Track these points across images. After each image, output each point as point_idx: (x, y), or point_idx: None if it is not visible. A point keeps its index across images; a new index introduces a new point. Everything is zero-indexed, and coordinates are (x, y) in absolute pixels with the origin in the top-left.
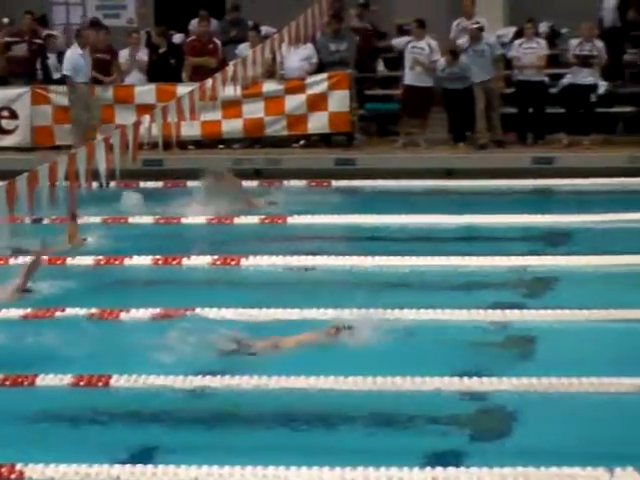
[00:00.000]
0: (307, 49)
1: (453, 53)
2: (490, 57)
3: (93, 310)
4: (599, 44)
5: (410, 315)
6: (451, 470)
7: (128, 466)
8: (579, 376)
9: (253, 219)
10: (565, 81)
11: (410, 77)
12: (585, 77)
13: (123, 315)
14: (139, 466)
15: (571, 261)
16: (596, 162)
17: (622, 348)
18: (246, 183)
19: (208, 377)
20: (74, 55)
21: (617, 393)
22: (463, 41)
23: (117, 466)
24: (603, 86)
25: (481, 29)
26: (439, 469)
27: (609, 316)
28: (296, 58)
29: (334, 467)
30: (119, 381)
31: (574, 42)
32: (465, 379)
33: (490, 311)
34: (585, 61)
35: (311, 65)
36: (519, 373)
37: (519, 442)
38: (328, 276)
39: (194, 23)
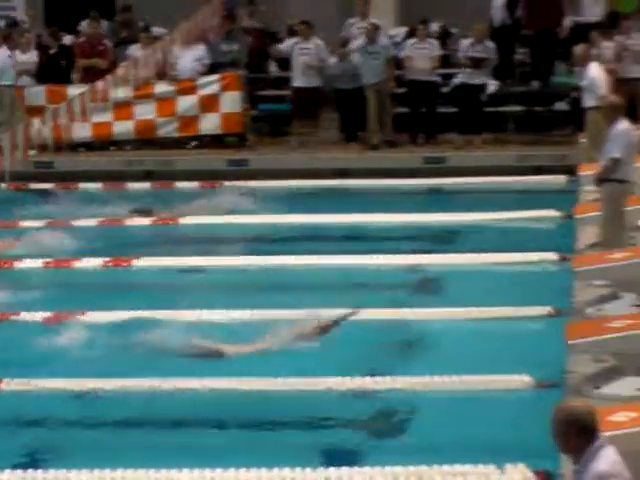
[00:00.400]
0: (199, 50)
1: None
2: (384, 59)
3: None
4: (490, 45)
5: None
6: (344, 470)
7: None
8: (461, 374)
9: (145, 221)
10: (456, 81)
11: (299, 78)
12: (476, 77)
13: (13, 318)
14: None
15: (459, 259)
16: (487, 161)
17: (501, 345)
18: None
19: (99, 380)
20: (3, 57)
21: (505, 390)
22: (359, 42)
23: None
24: (493, 85)
25: (377, 27)
26: (332, 469)
27: (489, 314)
28: (188, 59)
29: (228, 468)
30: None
31: (465, 42)
32: (357, 379)
33: (379, 309)
34: (476, 63)
35: (203, 66)
36: (407, 372)
37: (412, 441)
38: (219, 277)
39: (84, 24)
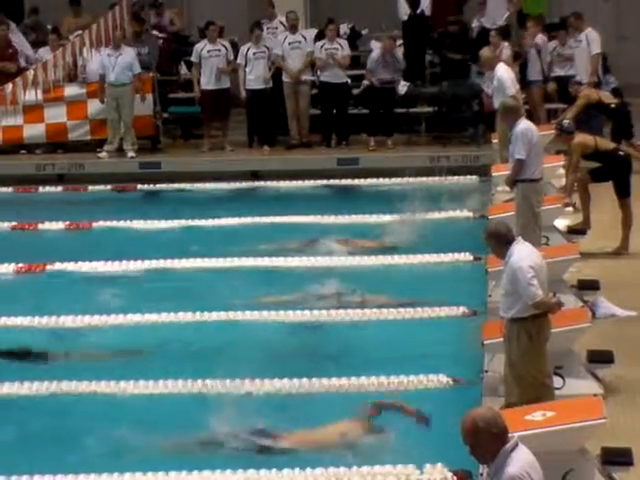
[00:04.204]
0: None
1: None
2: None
3: None
4: (399, 54)
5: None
6: (263, 472)
7: None
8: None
9: (58, 225)
10: (366, 82)
11: (207, 81)
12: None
13: None
14: None
15: (373, 260)
16: (399, 162)
17: (417, 345)
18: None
19: None
20: None
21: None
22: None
23: None
24: (404, 87)
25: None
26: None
27: (405, 314)
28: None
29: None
30: None
31: (374, 54)
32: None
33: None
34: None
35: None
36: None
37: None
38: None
39: None
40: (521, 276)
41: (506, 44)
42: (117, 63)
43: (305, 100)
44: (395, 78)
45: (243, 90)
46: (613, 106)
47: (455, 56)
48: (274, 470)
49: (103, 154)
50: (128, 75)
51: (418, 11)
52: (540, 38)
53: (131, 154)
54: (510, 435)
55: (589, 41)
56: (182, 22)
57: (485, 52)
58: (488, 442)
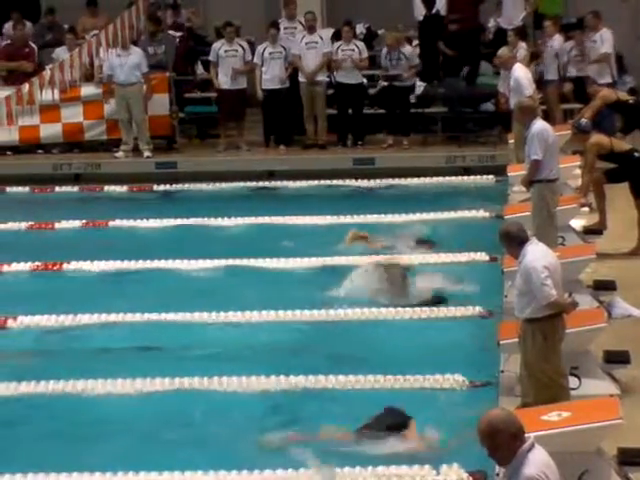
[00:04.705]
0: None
1: None
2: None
3: None
4: (407, 50)
5: None
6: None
7: None
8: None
9: (74, 223)
10: (383, 82)
11: (224, 80)
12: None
13: None
14: None
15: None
16: (415, 162)
17: (433, 345)
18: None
19: None
20: None
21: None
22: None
23: None
24: (420, 87)
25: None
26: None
27: (422, 314)
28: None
29: None
30: None
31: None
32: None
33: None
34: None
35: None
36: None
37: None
38: (154, 280)
39: (8, 26)
40: (535, 276)
41: (523, 44)
42: (126, 63)
43: (321, 100)
44: (403, 75)
45: (260, 90)
46: (631, 102)
47: (447, 51)
48: (290, 469)
49: (119, 154)
50: (136, 75)
51: (433, 11)
52: (557, 38)
53: (147, 153)
54: (526, 435)
55: (603, 41)
56: (199, 22)
57: (504, 52)
58: (507, 443)
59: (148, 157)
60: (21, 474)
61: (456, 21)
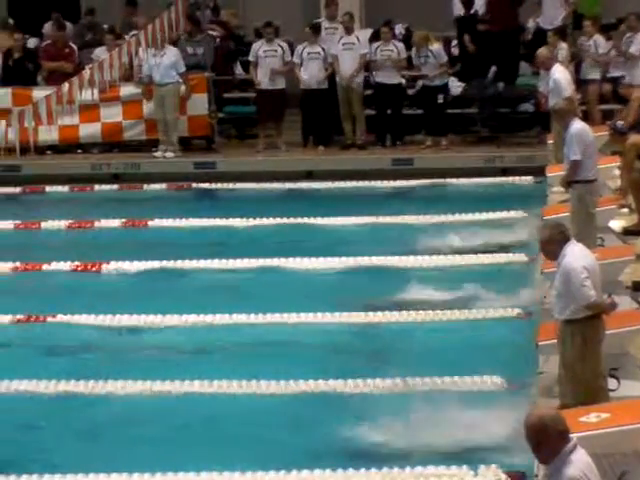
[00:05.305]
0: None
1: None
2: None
3: None
4: (435, 48)
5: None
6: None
7: None
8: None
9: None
10: (421, 82)
11: (263, 81)
12: (439, 79)
13: None
14: None
15: (427, 261)
16: (454, 163)
17: (471, 347)
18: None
19: None
20: None
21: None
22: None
23: None
24: (459, 87)
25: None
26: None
27: (459, 316)
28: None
29: None
30: None
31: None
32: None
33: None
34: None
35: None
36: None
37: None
38: (193, 280)
39: (48, 27)
40: (574, 277)
41: (563, 45)
42: (161, 63)
43: (358, 101)
44: (430, 74)
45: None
46: None
47: (470, 46)
48: (328, 470)
49: (158, 153)
50: (172, 75)
51: (472, 11)
52: (597, 38)
53: (169, 154)
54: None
55: (637, 42)
56: (238, 22)
57: (543, 52)
58: (553, 440)
59: (165, 158)
60: (59, 474)
61: (486, 21)
